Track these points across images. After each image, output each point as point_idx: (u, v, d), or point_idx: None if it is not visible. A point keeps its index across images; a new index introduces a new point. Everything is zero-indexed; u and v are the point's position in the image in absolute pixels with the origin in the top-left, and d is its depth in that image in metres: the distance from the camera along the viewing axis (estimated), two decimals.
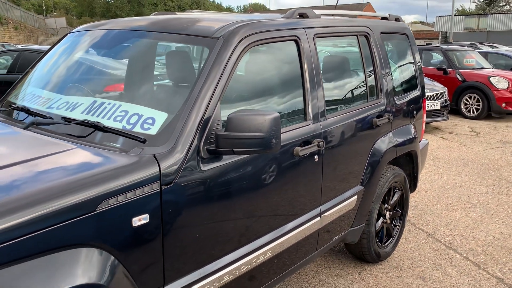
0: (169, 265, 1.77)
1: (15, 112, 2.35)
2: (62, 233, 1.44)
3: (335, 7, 4.92)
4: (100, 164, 1.65)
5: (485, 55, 12.27)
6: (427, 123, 8.41)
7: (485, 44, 18.86)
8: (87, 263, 1.48)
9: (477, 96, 9.83)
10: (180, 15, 2.64)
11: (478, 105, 9.84)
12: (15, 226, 1.34)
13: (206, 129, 1.88)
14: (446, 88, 8.69)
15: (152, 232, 1.69)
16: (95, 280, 1.47)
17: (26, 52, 7.36)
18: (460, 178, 5.65)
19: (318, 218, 2.59)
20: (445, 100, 8.37)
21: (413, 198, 4.81)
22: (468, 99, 9.98)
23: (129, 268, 1.63)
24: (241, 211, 2.06)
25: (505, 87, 9.57)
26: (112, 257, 1.56)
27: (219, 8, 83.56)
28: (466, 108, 10.05)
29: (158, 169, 1.71)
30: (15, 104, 2.42)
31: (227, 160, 1.97)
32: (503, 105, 9.57)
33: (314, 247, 2.66)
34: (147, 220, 1.67)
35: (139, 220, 1.64)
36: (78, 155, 1.74)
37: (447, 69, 10.22)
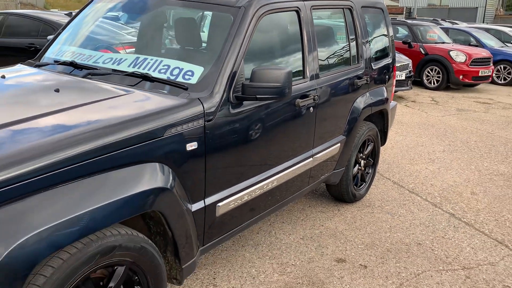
0: (208, 182, 2.32)
1: (56, 65, 2.76)
2: (143, 150, 1.95)
3: None
4: (162, 103, 2.15)
5: (446, 30, 13.13)
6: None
7: (447, 20, 19.81)
8: (159, 173, 2.00)
9: (437, 69, 10.65)
10: None
11: (439, 77, 10.68)
12: (116, 141, 1.84)
13: (234, 80, 2.40)
14: (411, 60, 9.41)
15: (198, 156, 2.22)
16: (164, 184, 2.00)
17: (11, 16, 7.48)
18: (421, 139, 6.42)
19: (311, 159, 3.18)
20: (410, 72, 9.11)
21: (381, 154, 5.51)
22: (430, 71, 10.80)
23: (182, 181, 2.16)
24: (257, 146, 2.62)
25: (463, 60, 10.42)
26: (173, 172, 2.09)
27: None
28: (427, 80, 10.87)
29: (202, 108, 2.23)
30: (57, 60, 2.84)
31: (248, 106, 2.50)
32: (461, 77, 10.45)
33: (307, 182, 3.27)
34: (196, 147, 2.20)
35: (191, 146, 2.17)
36: (141, 96, 2.23)
37: (411, 42, 10.96)
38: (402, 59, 9.13)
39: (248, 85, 2.37)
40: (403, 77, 8.88)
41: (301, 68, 3.00)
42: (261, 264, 3.03)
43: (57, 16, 7.63)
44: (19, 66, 2.87)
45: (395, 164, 5.27)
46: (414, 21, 12.10)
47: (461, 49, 10.79)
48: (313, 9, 3.13)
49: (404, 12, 38.84)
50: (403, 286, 2.89)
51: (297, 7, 2.96)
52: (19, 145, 1.66)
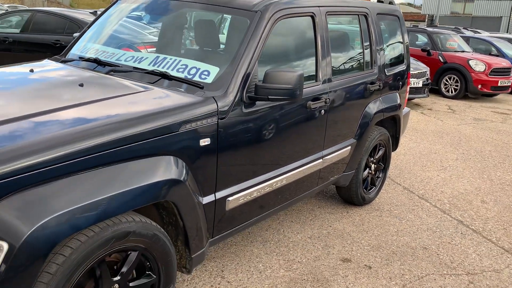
0: (219, 177, 2.43)
1: (81, 61, 2.91)
2: (160, 144, 2.08)
3: None
4: (179, 100, 2.28)
5: (466, 39, 13.03)
6: (409, 99, 9.16)
7: (468, 29, 19.64)
8: (173, 166, 2.12)
9: (456, 77, 10.61)
10: None
11: (457, 86, 10.63)
12: (135, 133, 1.97)
13: (248, 81, 2.51)
14: (429, 68, 9.41)
15: (211, 152, 2.34)
16: (178, 177, 2.12)
17: (39, 13, 7.74)
18: (435, 146, 6.43)
19: (321, 160, 3.27)
20: (427, 79, 9.10)
21: (393, 160, 5.56)
22: (448, 79, 10.76)
23: (195, 175, 2.28)
24: (267, 145, 2.72)
25: (482, 70, 10.36)
26: (186, 165, 2.21)
27: None
28: (445, 88, 10.83)
29: (216, 106, 2.34)
30: (81, 56, 2.99)
31: (260, 106, 2.61)
32: (479, 86, 10.38)
33: (316, 183, 3.36)
34: (209, 143, 2.31)
35: (204, 142, 2.29)
36: (159, 93, 2.36)
37: (430, 50, 10.93)
38: (420, 67, 9.13)
39: (261, 86, 2.47)
40: (420, 85, 8.88)
41: (314, 72, 3.09)
42: (268, 259, 3.13)
43: (82, 14, 7.87)
44: (46, 61, 3.03)
45: (407, 170, 5.31)
46: (434, 29, 12.07)
47: (481, 58, 10.72)
48: (328, 15, 3.22)
49: (426, 20, 38.54)
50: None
51: (312, 12, 3.06)
52: (45, 133, 1.80)
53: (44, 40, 7.35)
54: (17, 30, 7.75)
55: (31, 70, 2.66)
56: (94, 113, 2.03)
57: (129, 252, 2.01)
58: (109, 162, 1.91)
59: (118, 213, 1.87)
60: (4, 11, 22.71)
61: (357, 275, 3.05)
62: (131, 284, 2.06)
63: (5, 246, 1.58)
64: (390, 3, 4.33)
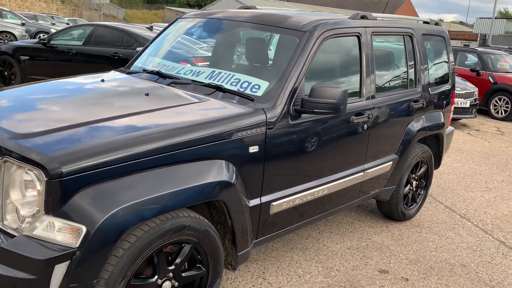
0: (265, 182, 2.63)
1: (144, 73, 3.21)
2: (214, 149, 2.31)
3: (384, 9, 5.63)
4: (232, 110, 2.51)
5: None
6: (456, 119, 9.05)
7: None
8: (225, 170, 2.35)
9: (506, 99, 10.35)
10: (271, 11, 3.47)
11: (507, 107, 10.38)
12: (194, 138, 2.22)
13: (295, 95, 2.71)
14: (477, 89, 9.27)
15: (258, 158, 2.55)
16: (229, 179, 2.34)
17: (100, 27, 8.34)
18: (480, 167, 6.36)
19: (362, 173, 3.40)
20: (475, 100, 8.97)
21: (436, 179, 5.56)
22: (498, 100, 10.52)
23: (243, 179, 2.49)
24: (310, 156, 2.90)
25: None
26: (236, 169, 2.43)
27: None
28: (495, 109, 10.59)
29: (265, 117, 2.55)
30: (144, 69, 3.30)
31: (305, 119, 2.79)
32: None
33: (356, 195, 3.49)
34: (257, 150, 2.52)
35: (253, 149, 2.50)
36: (215, 104, 2.60)
37: (480, 70, 10.74)
38: (468, 87, 9.03)
39: (307, 100, 2.67)
40: (468, 105, 8.78)
41: (358, 88, 3.25)
42: (308, 266, 3.28)
43: (139, 29, 8.40)
44: (113, 72, 3.37)
45: (450, 189, 5.31)
46: (485, 49, 11.85)
47: None
48: (374, 34, 3.38)
49: (478, 39, 37.48)
50: None
51: (359, 32, 3.23)
52: (119, 135, 2.07)
53: (104, 53, 7.90)
54: (80, 43, 8.36)
55: (102, 80, 2.99)
56: (159, 119, 2.29)
57: (183, 245, 2.24)
58: (170, 162, 2.15)
59: (176, 207, 2.10)
60: (65, 24, 24.27)
61: (393, 286, 3.14)
62: (183, 274, 2.28)
63: (84, 229, 1.85)
64: (437, 24, 4.43)
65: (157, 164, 2.10)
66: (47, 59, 8.28)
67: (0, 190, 1.99)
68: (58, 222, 1.87)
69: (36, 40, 8.89)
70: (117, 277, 1.97)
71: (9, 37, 17.11)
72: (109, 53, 7.82)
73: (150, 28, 8.76)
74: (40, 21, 23.27)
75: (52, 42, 8.28)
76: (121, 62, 7.67)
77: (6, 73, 8.70)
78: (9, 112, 2.37)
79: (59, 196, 1.87)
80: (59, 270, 1.84)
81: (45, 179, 1.85)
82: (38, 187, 1.89)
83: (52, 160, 1.86)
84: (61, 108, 2.43)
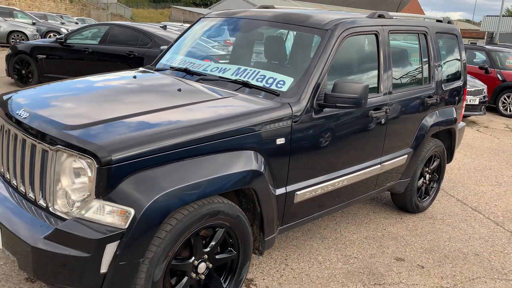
0: (290, 172, 2.79)
1: (171, 70, 3.38)
2: (244, 140, 2.47)
3: (397, 8, 5.77)
4: (259, 105, 2.67)
5: None
6: (465, 116, 9.15)
7: None
8: (254, 160, 2.51)
9: None
10: (293, 10, 3.62)
11: None
12: (226, 130, 2.38)
13: (318, 90, 2.86)
14: (486, 86, 9.37)
15: (285, 150, 2.70)
16: (258, 168, 2.50)
17: (116, 26, 8.53)
18: (490, 163, 6.48)
19: (379, 166, 3.55)
20: (484, 97, 9.08)
21: (447, 174, 5.69)
22: (507, 98, 10.60)
23: (270, 169, 2.65)
24: (332, 148, 3.05)
25: None
26: (264, 160, 2.59)
27: None
28: (503, 107, 10.68)
29: (291, 111, 2.71)
30: (172, 66, 3.47)
31: (328, 113, 2.95)
32: None
33: (373, 186, 3.64)
34: (283, 142, 2.68)
35: (280, 141, 2.66)
36: (243, 99, 2.76)
37: (489, 68, 10.84)
38: (477, 84, 9.13)
39: (330, 94, 2.82)
40: (477, 102, 8.88)
41: (376, 84, 3.40)
42: (327, 253, 3.44)
43: (154, 28, 8.57)
44: (142, 69, 3.54)
45: (461, 183, 5.44)
46: (494, 47, 11.93)
47: None
48: (391, 33, 3.53)
49: (486, 37, 37.40)
50: (457, 287, 3.16)
51: (376, 31, 3.38)
52: (162, 126, 2.23)
53: (119, 51, 8.08)
54: (95, 42, 8.55)
55: (134, 77, 3.15)
56: (195, 113, 2.46)
57: (217, 229, 2.41)
58: (206, 152, 2.32)
59: (213, 193, 2.27)
60: (74, 24, 24.51)
61: (410, 273, 3.29)
62: (217, 257, 2.45)
63: (132, 212, 2.01)
64: (449, 22, 4.56)
65: (194, 153, 2.27)
66: (63, 58, 8.49)
67: (52, 177, 2.16)
68: (108, 206, 2.04)
69: (53, 39, 9.08)
70: (160, 257, 2.14)
71: (21, 37, 17.39)
72: (124, 51, 8.01)
73: (164, 27, 8.94)
74: (50, 21, 23.56)
75: (68, 41, 8.49)
76: (136, 61, 7.87)
77: (23, 72, 8.93)
78: (57, 106, 2.55)
79: (109, 182, 2.04)
80: (110, 249, 2.01)
81: (96, 166, 2.02)
82: (89, 174, 2.05)
83: (103, 149, 2.02)
84: (104, 102, 2.61)
